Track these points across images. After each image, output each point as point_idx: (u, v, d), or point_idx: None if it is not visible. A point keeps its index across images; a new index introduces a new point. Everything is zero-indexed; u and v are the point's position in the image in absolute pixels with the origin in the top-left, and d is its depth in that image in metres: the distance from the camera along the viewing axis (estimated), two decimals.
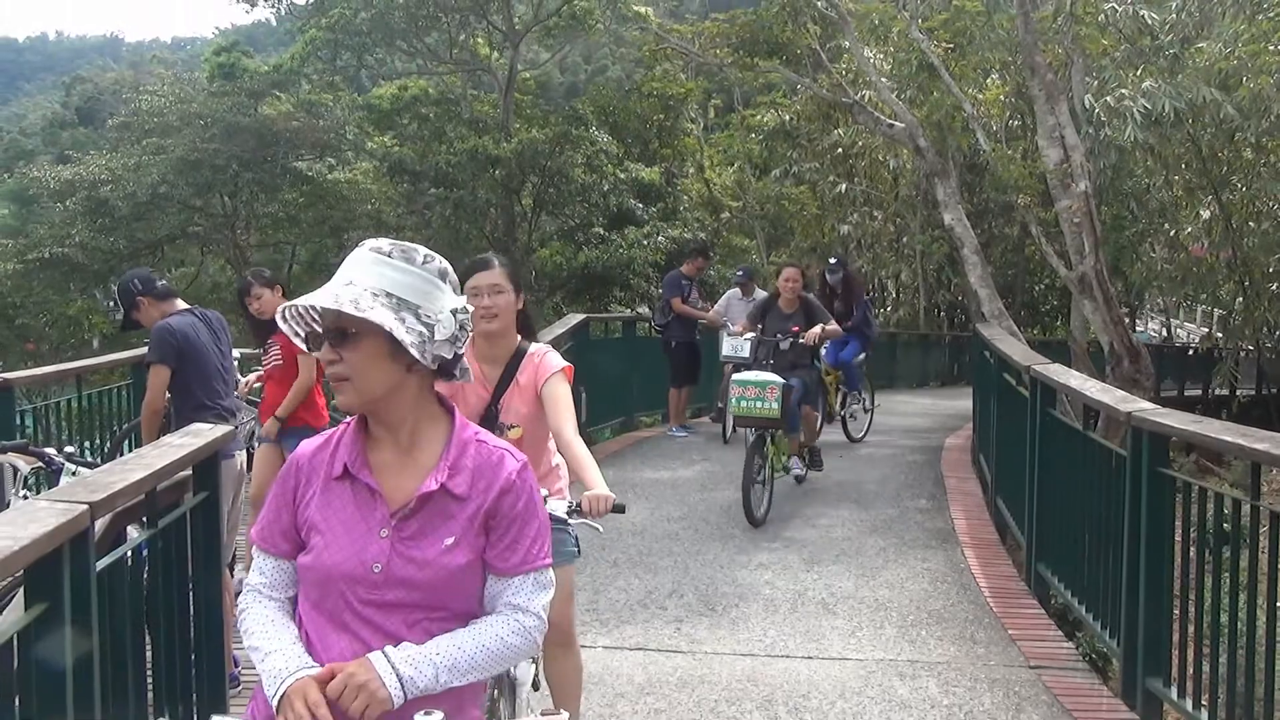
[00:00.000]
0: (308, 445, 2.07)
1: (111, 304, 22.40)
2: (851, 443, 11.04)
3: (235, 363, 5.61)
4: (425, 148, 21.09)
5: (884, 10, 15.56)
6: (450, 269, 2.01)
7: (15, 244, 23.58)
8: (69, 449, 4.87)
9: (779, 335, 8.12)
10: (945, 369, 21.35)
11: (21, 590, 2.96)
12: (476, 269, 3.64)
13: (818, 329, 8.03)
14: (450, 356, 1.96)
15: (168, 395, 5.12)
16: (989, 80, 15.93)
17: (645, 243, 19.60)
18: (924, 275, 22.03)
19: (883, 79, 14.63)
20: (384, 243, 1.96)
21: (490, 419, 3.51)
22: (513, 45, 22.24)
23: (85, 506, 2.73)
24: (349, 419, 2.07)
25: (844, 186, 20.70)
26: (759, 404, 7.39)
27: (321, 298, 1.88)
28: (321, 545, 1.96)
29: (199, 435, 3.87)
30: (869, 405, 11.63)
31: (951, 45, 14.68)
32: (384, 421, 2.00)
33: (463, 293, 3.42)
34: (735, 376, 7.95)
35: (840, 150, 20.22)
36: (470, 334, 1.99)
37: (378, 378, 1.93)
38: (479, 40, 23.49)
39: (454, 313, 1.95)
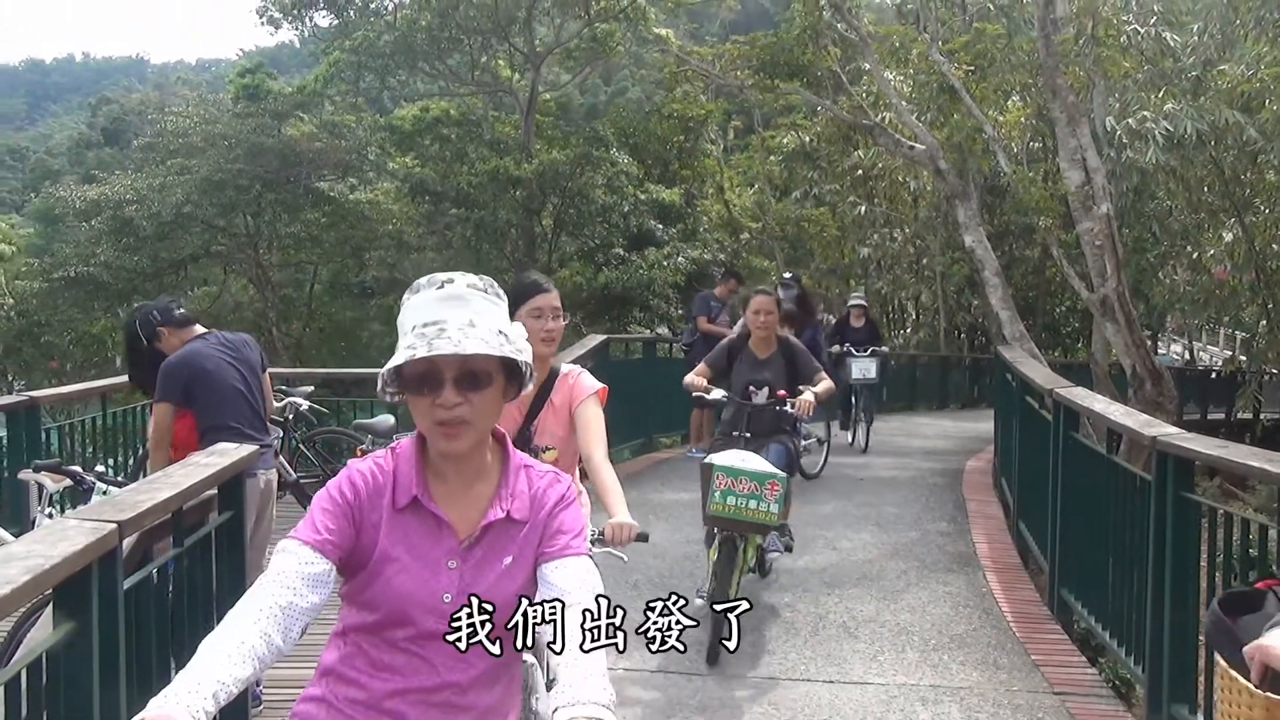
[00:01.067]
0: (360, 465, 2.01)
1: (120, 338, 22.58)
2: (806, 479, 9.32)
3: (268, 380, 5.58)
4: (446, 168, 21.21)
5: (904, 33, 15.61)
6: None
7: (41, 263, 23.82)
8: (99, 468, 4.89)
9: (752, 389, 6.13)
10: (965, 391, 21.26)
11: (49, 608, 2.98)
12: (538, 290, 3.59)
13: (809, 397, 5.77)
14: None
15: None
16: (1010, 102, 15.93)
17: (665, 264, 19.64)
18: (944, 297, 21.97)
19: (903, 101, 14.66)
20: (473, 278, 1.97)
21: (524, 441, 3.49)
22: (534, 67, 22.37)
23: (114, 525, 2.76)
24: (397, 445, 2.04)
25: (864, 208, 20.71)
26: (753, 503, 5.22)
27: (474, 345, 1.85)
28: (392, 573, 1.94)
29: (225, 454, 3.90)
30: (824, 438, 10.47)
31: (972, 67, 14.69)
32: (475, 453, 2.01)
33: (520, 313, 3.47)
34: (716, 460, 5.40)
35: (860, 172, 20.24)
36: None
37: (494, 416, 1.98)
38: (500, 62, 23.65)
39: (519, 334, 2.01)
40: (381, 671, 1.97)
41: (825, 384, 6.00)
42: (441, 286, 1.92)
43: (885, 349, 13.70)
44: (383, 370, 1.92)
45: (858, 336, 12.48)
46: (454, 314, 1.88)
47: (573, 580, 1.94)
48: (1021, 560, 7.31)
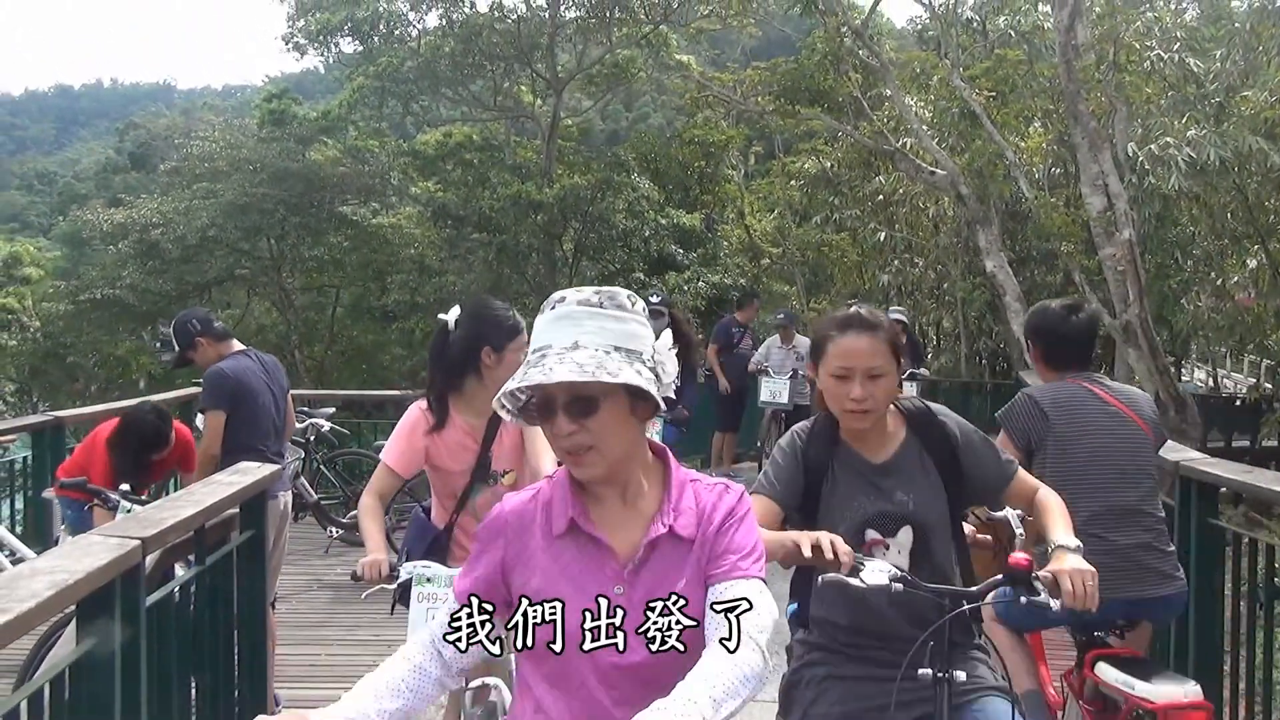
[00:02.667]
0: (512, 501, 1.98)
1: (159, 344, 22.75)
2: None
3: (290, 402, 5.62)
4: (469, 193, 21.32)
5: (925, 59, 15.67)
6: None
7: (67, 285, 23.99)
8: (124, 486, 4.93)
9: None
10: (987, 416, 21.12)
11: (72, 624, 3.00)
12: (518, 333, 3.56)
13: None
14: (671, 396, 1.89)
15: None
16: (1031, 128, 15.92)
17: (686, 288, 19.64)
18: (965, 323, 21.88)
19: (924, 126, 14.68)
20: (587, 292, 1.88)
21: (483, 468, 3.51)
22: (556, 93, 22.50)
23: (138, 542, 2.78)
24: (555, 472, 2.01)
25: (884, 234, 20.68)
26: None
27: (565, 372, 1.77)
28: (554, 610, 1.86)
29: (247, 474, 3.93)
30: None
31: (993, 93, 14.71)
32: (612, 477, 1.91)
33: (509, 349, 3.46)
34: None
35: (881, 197, 20.23)
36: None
37: (624, 439, 1.86)
38: (523, 88, 23.80)
39: (667, 351, 1.91)
40: (564, 716, 1.87)
41: None
42: (554, 307, 1.88)
43: (925, 371, 13.09)
44: (496, 396, 1.90)
45: None
46: (560, 336, 1.83)
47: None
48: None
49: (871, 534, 2.72)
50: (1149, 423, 3.77)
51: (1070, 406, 3.73)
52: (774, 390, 10.86)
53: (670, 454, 1.99)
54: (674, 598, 1.82)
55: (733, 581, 1.79)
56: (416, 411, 3.61)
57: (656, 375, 1.84)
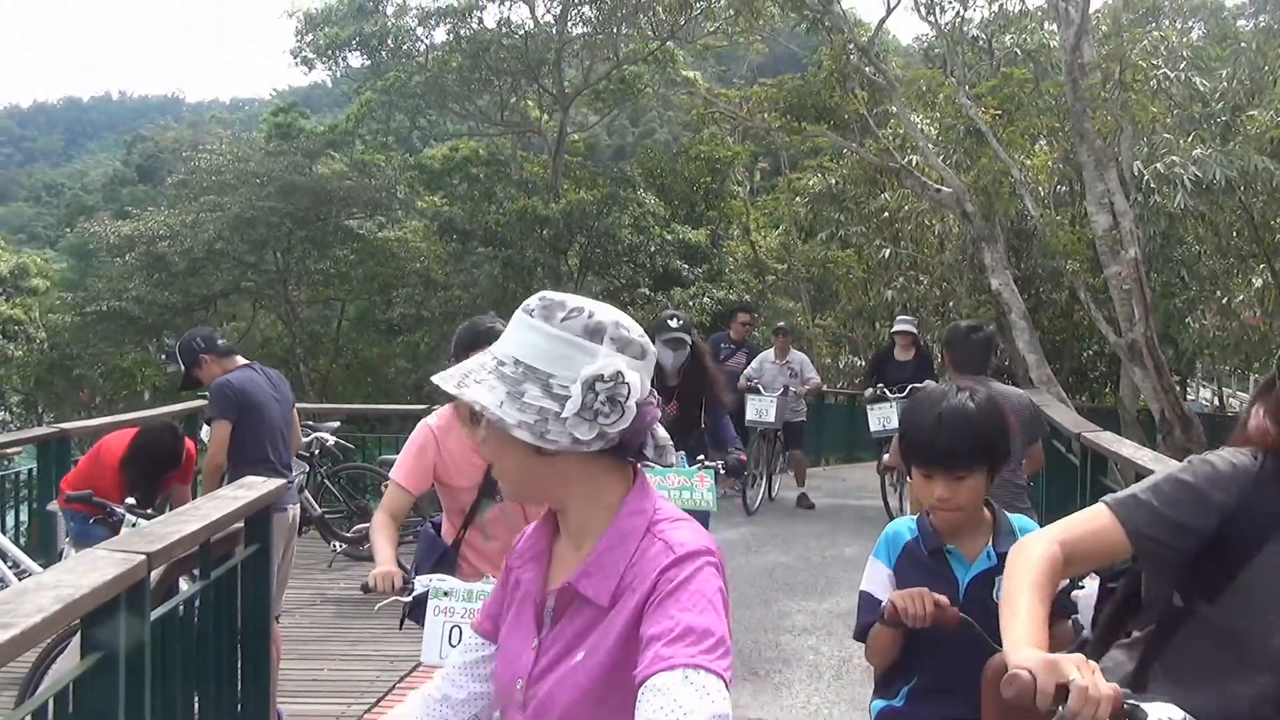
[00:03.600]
0: (532, 525, 1.77)
1: (164, 356, 22.80)
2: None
3: (295, 415, 5.64)
4: (475, 207, 21.39)
5: (931, 77, 15.70)
6: (619, 328, 1.58)
7: (74, 297, 24.05)
8: (130, 500, 4.94)
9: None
10: None
11: (76, 638, 3.00)
12: (491, 339, 3.55)
13: None
14: (592, 436, 1.53)
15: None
16: (1037, 146, 15.94)
17: (691, 303, 19.67)
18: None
19: (930, 144, 14.71)
20: (536, 298, 1.62)
21: (490, 484, 3.47)
22: (562, 108, 22.58)
23: (143, 557, 2.78)
24: None
25: (889, 250, 20.70)
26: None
27: (441, 375, 1.62)
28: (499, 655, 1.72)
29: (253, 488, 3.93)
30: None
31: (999, 111, 14.73)
32: (554, 508, 1.70)
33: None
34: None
35: (886, 214, 20.26)
36: (625, 411, 1.53)
37: (508, 462, 1.61)
38: (529, 103, 23.89)
39: (591, 383, 1.52)
40: None
41: None
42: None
43: (934, 384, 11.89)
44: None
45: (902, 373, 10.00)
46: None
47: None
48: None
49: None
50: (1018, 417, 4.65)
51: None
52: (760, 409, 10.24)
53: (639, 495, 1.62)
54: (569, 668, 1.56)
55: (652, 678, 1.39)
56: (425, 428, 3.62)
57: (561, 406, 1.52)
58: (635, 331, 1.59)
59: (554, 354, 1.54)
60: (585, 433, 1.52)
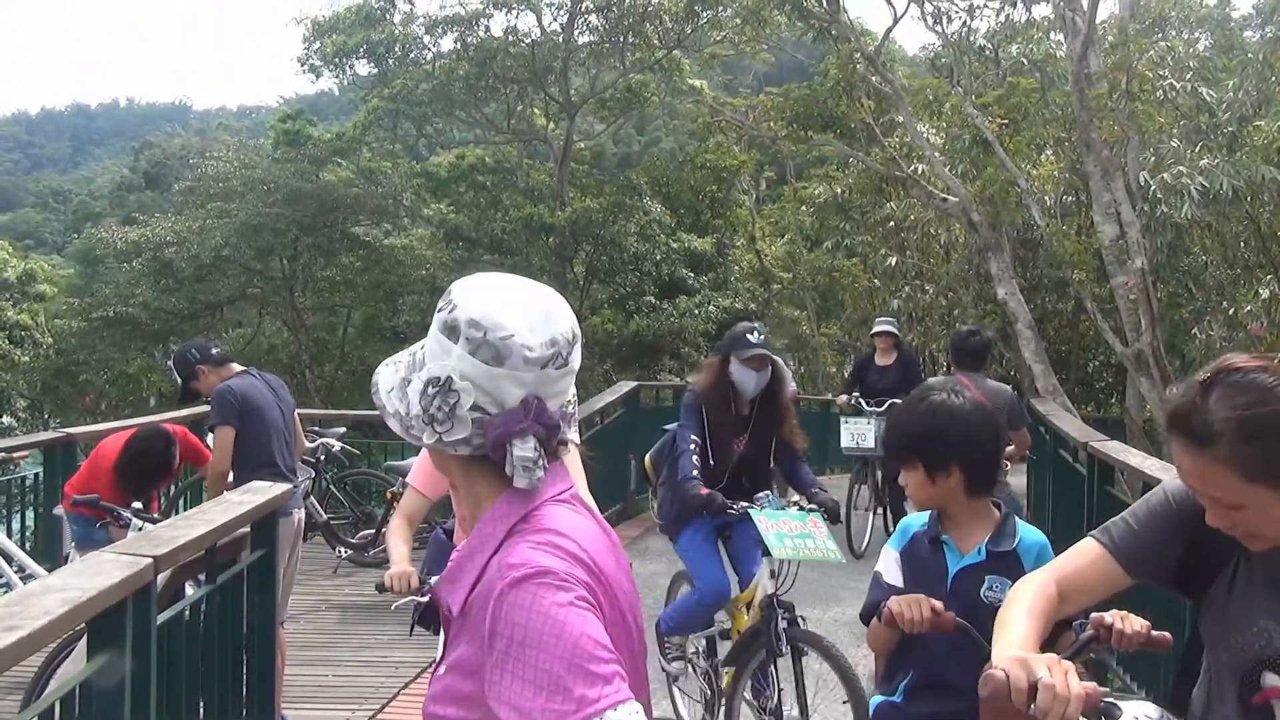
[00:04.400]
0: None
1: (170, 362, 22.86)
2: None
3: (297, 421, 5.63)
4: (481, 215, 21.44)
5: (938, 86, 15.71)
6: (472, 322, 1.43)
7: (81, 302, 24.12)
8: (136, 504, 4.94)
9: None
10: None
11: (82, 642, 3.00)
12: None
13: None
14: (433, 441, 1.44)
15: None
16: (1043, 156, 15.94)
17: (696, 312, 19.71)
18: None
19: (936, 153, 14.71)
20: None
21: None
22: (569, 117, 22.64)
23: (150, 560, 2.79)
24: None
25: (895, 260, 20.71)
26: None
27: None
28: None
29: (259, 493, 3.93)
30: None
31: (1006, 121, 14.73)
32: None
33: None
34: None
35: (892, 223, 20.26)
36: (456, 421, 1.42)
37: (434, 459, 1.53)
38: (536, 111, 23.95)
39: (424, 387, 1.43)
40: None
41: None
42: None
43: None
44: None
45: (884, 380, 8.99)
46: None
47: None
48: None
49: (1272, 679, 1.77)
50: (998, 409, 5.25)
51: None
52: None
53: (509, 499, 1.46)
54: (435, 678, 1.47)
55: None
56: None
57: (433, 424, 1.42)
58: (499, 331, 1.41)
59: (430, 347, 1.46)
60: (428, 437, 1.44)
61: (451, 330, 1.43)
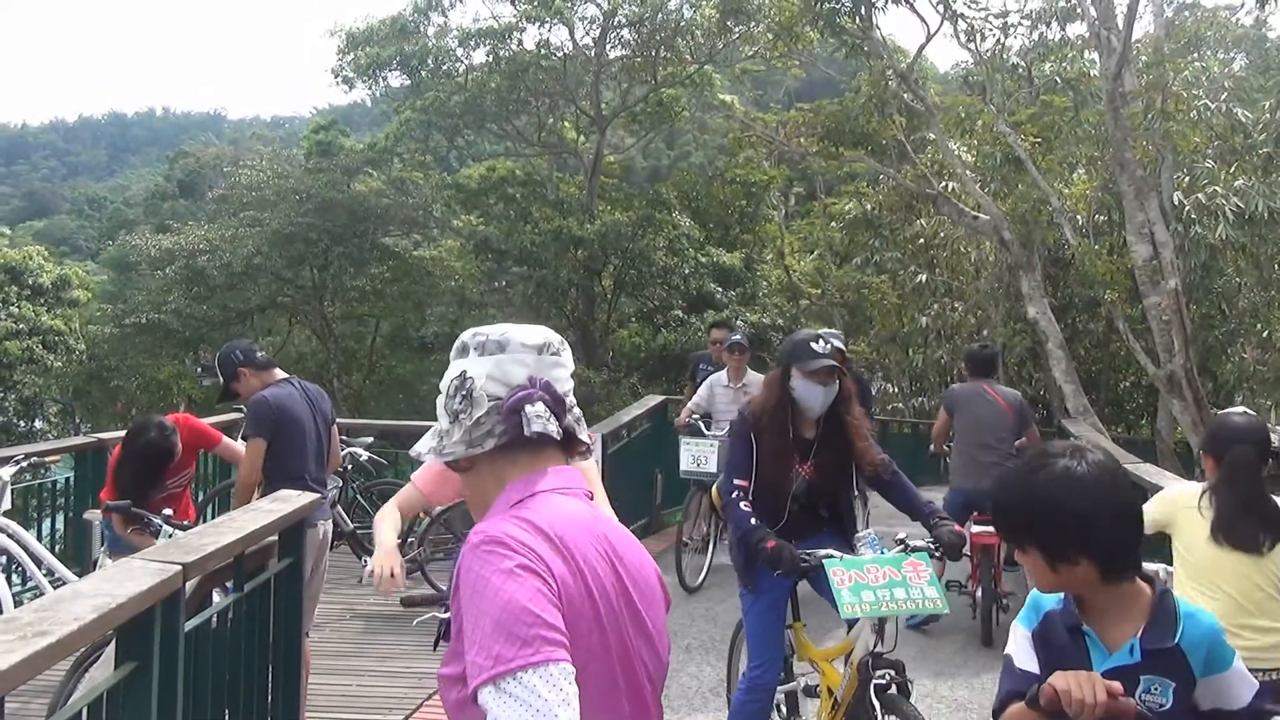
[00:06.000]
0: None
1: (200, 369, 23.02)
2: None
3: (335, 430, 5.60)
4: (510, 227, 21.50)
5: (970, 104, 15.65)
6: (477, 336, 1.76)
7: (114, 309, 24.36)
8: (166, 511, 4.95)
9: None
10: None
11: (110, 648, 3.01)
12: None
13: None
14: (460, 435, 1.69)
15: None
16: (1075, 174, 15.85)
17: None
18: (1005, 369, 21.72)
19: (967, 171, 14.65)
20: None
21: None
22: (599, 130, 22.69)
23: (179, 567, 2.80)
24: None
25: (925, 277, 20.62)
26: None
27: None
28: None
29: (287, 502, 3.94)
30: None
31: (1038, 139, 14.66)
32: None
33: None
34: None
35: (922, 240, 20.19)
36: (474, 400, 1.69)
37: (466, 490, 1.78)
38: (566, 124, 24.03)
39: (450, 391, 1.72)
40: None
41: None
42: None
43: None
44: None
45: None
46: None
47: None
48: None
49: None
50: (1010, 407, 7.12)
51: (968, 394, 7.25)
52: (696, 455, 7.84)
53: (518, 485, 1.69)
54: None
55: (479, 693, 1.44)
56: None
57: (458, 417, 1.69)
58: (496, 332, 1.74)
59: (448, 382, 1.74)
60: (457, 434, 1.68)
61: (460, 349, 1.75)
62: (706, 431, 7.87)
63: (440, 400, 1.74)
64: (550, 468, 1.71)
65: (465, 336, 1.76)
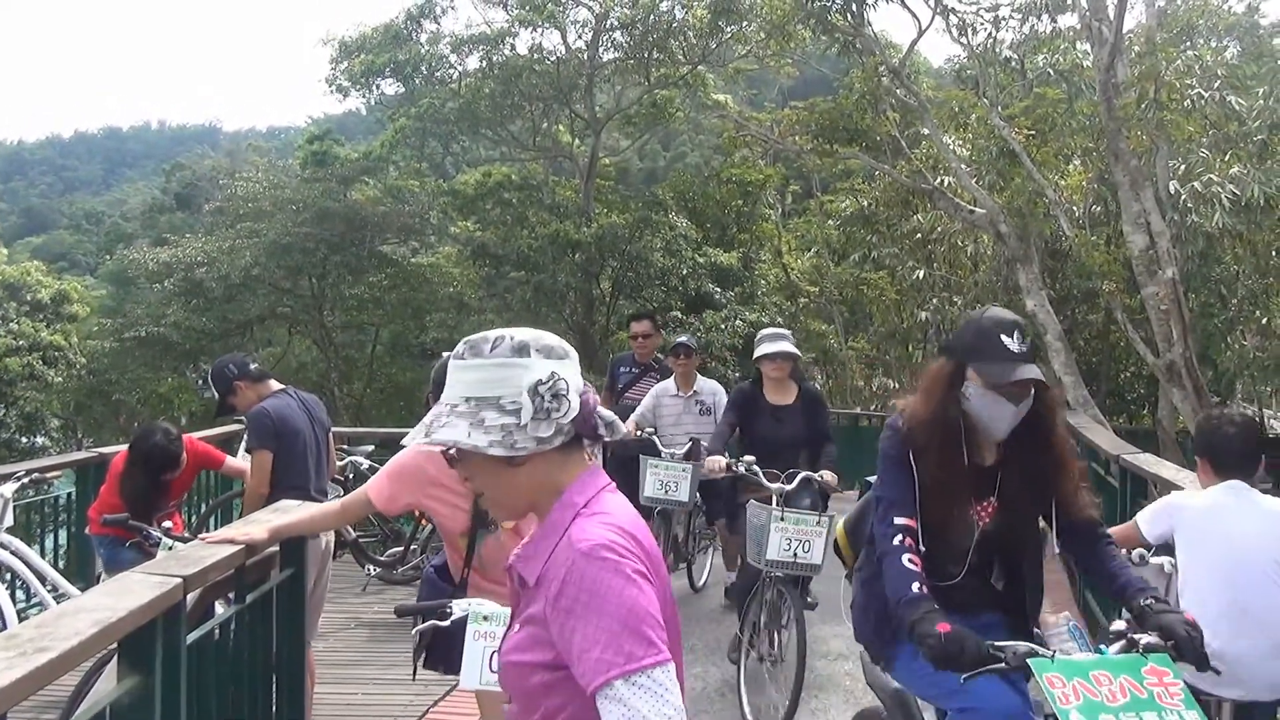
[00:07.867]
0: None
1: (201, 381, 23.02)
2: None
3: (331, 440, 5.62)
4: (507, 232, 21.50)
5: (964, 98, 15.63)
6: (539, 340, 1.82)
7: (113, 323, 24.34)
8: (166, 524, 4.96)
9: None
10: None
11: (114, 662, 3.02)
12: None
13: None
14: (551, 432, 1.77)
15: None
16: (1071, 166, 15.84)
17: (723, 326, 19.65)
18: None
19: (963, 165, 14.64)
20: (460, 344, 1.86)
21: (481, 515, 3.42)
22: (594, 133, 22.70)
23: (179, 580, 2.80)
24: None
25: (923, 272, 20.62)
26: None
27: (413, 433, 1.84)
28: None
29: (287, 512, 3.94)
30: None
31: (1033, 132, 14.65)
32: (514, 517, 2.02)
33: None
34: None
35: (919, 236, 20.18)
36: (569, 402, 1.78)
37: (499, 485, 1.82)
38: (561, 128, 24.02)
39: (535, 388, 1.76)
40: None
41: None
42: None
43: (831, 448, 6.24)
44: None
45: (779, 430, 6.24)
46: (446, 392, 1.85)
47: None
48: (1090, 629, 7.12)
49: None
50: None
51: None
52: (664, 480, 6.73)
53: (576, 488, 1.81)
54: (510, 636, 1.83)
55: (602, 689, 1.59)
56: (415, 456, 3.50)
57: (518, 418, 1.75)
58: (552, 339, 1.84)
59: (495, 379, 1.78)
60: (545, 430, 1.76)
61: (521, 350, 1.80)
62: (663, 452, 6.89)
63: (500, 394, 1.77)
64: (593, 465, 1.87)
65: (515, 338, 1.81)
